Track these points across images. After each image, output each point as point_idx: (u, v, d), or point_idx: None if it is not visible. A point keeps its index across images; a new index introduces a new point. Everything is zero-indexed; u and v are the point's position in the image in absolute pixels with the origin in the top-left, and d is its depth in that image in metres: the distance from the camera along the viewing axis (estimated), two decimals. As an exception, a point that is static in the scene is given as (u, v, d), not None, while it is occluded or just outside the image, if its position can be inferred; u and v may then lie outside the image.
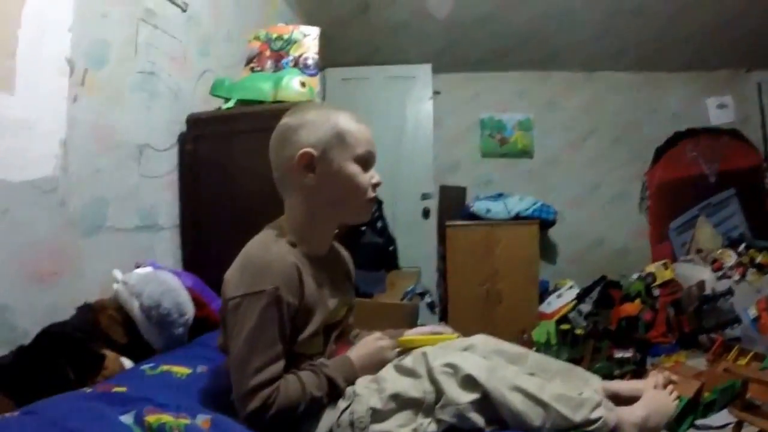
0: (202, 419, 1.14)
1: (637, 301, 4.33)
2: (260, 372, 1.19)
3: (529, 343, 3.93)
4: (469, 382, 1.22)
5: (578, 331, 3.98)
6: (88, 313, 1.71)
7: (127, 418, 1.10)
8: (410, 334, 1.59)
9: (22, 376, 1.37)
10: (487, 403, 1.21)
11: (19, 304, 1.66)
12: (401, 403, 1.25)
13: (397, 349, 1.47)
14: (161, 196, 2.44)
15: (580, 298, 4.61)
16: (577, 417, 1.22)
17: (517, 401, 1.21)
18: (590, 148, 5.35)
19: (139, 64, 2.30)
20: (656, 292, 4.45)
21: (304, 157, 1.34)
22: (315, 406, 1.26)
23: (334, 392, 1.30)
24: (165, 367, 1.49)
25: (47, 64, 1.82)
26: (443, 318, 4.79)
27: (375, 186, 1.43)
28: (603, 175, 5.34)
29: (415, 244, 4.78)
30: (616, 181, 5.37)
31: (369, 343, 1.45)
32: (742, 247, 4.52)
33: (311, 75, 2.65)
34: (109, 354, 1.55)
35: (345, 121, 1.38)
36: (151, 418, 1.07)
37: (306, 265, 1.33)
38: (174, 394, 1.30)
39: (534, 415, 1.21)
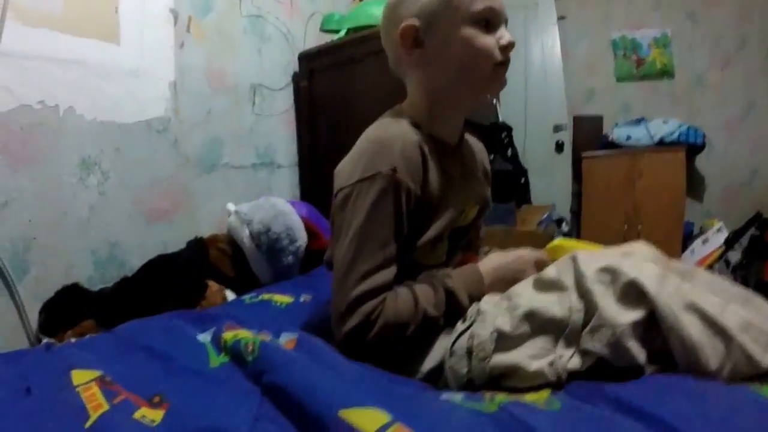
0: (287, 338, 0.96)
1: (795, 251, 3.66)
2: (366, 279, 0.94)
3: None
4: (632, 293, 0.85)
5: (723, 288, 3.43)
6: (199, 246, 1.70)
7: (204, 337, 1.02)
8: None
9: (119, 305, 1.37)
10: (650, 328, 0.85)
11: (131, 241, 1.70)
12: (538, 324, 0.90)
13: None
14: (278, 134, 2.43)
15: (729, 243, 3.93)
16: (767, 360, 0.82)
17: (692, 327, 0.82)
18: (741, 63, 4.55)
19: (245, 9, 2.27)
20: (819, 238, 3.77)
21: (407, 32, 1.08)
22: (427, 329, 0.98)
23: (454, 312, 1.00)
24: (266, 296, 1.40)
25: (151, 15, 1.84)
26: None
27: (505, 48, 1.08)
28: (759, 94, 4.51)
29: (548, 181, 4.39)
30: (775, 100, 4.43)
31: (504, 253, 1.15)
32: None
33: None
34: (212, 284, 1.52)
35: None
36: (228, 335, 0.95)
37: (431, 150, 1.07)
38: (267, 320, 1.19)
39: (711, 351, 0.81)
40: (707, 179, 4.63)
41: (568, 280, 0.92)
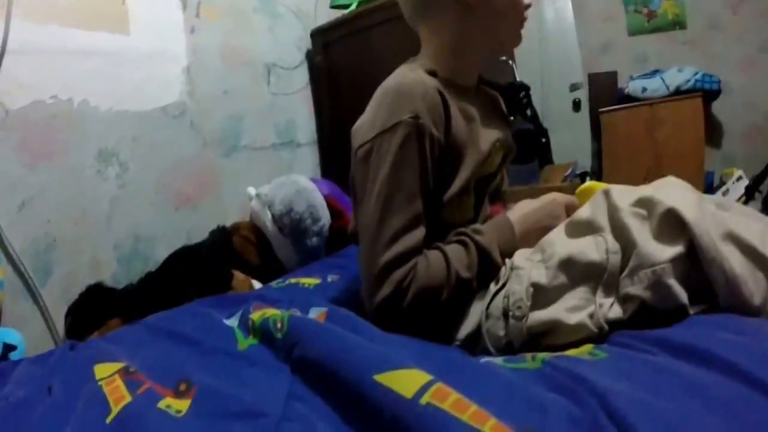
0: (318, 312, 0.89)
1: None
2: (396, 242, 0.84)
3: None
4: (670, 224, 0.77)
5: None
6: (222, 235, 1.62)
7: (232, 321, 0.95)
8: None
9: (145, 301, 1.30)
10: (689, 266, 0.76)
11: (155, 232, 1.64)
12: (575, 272, 0.81)
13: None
14: (296, 112, 2.34)
15: (750, 192, 3.68)
16: None
17: (733, 258, 0.75)
18: (753, 4, 4.34)
19: (254, -10, 2.18)
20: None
21: None
22: (461, 291, 0.88)
23: (488, 271, 0.90)
24: (293, 280, 1.33)
25: (158, 3, 1.77)
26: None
27: (526, 7, 1.09)
28: None
29: (568, 140, 4.15)
30: (789, 38, 4.19)
31: (534, 200, 1.05)
32: None
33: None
34: (238, 274, 1.44)
35: None
36: (255, 316, 0.88)
37: (451, 95, 0.98)
38: (297, 299, 1.09)
39: (753, 285, 0.75)
40: (725, 124, 4.45)
41: (602, 218, 0.85)
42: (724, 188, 3.89)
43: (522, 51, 3.79)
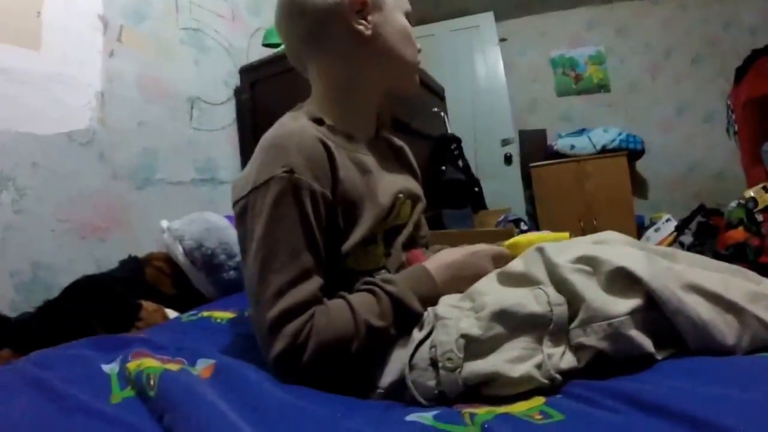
0: (204, 365, 0.75)
1: (740, 228, 3.59)
2: (281, 297, 0.73)
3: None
4: (621, 281, 0.68)
5: (682, 263, 3.44)
6: (134, 265, 1.47)
7: (111, 367, 0.79)
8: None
9: (41, 331, 1.13)
10: (649, 314, 0.67)
11: (58, 261, 1.47)
12: (513, 323, 0.69)
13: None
14: (220, 149, 2.20)
15: (680, 229, 3.86)
16: None
17: (699, 306, 0.67)
18: (669, 72, 4.65)
19: (183, 21, 2.07)
20: (759, 217, 3.74)
21: None
22: (377, 342, 0.77)
23: (407, 319, 0.79)
24: (206, 313, 1.19)
25: (77, 21, 1.64)
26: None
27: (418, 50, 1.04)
28: (687, 98, 4.60)
29: (501, 190, 4.30)
30: (702, 101, 4.50)
31: (455, 249, 0.94)
32: None
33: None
34: (148, 304, 1.29)
35: None
36: (132, 365, 0.74)
37: (341, 145, 0.89)
38: (201, 340, 0.99)
39: (725, 327, 0.67)
40: (649, 179, 4.69)
41: (540, 272, 0.73)
42: (655, 226, 4.07)
43: (455, 105, 3.87)
